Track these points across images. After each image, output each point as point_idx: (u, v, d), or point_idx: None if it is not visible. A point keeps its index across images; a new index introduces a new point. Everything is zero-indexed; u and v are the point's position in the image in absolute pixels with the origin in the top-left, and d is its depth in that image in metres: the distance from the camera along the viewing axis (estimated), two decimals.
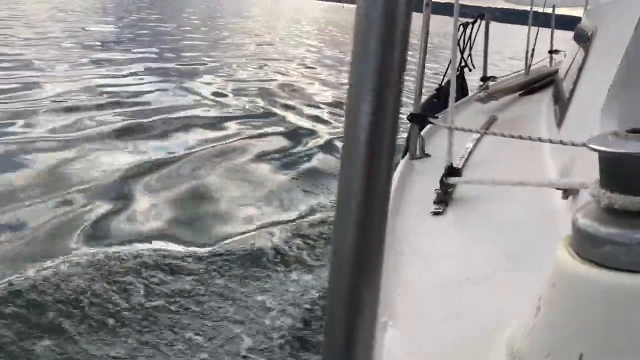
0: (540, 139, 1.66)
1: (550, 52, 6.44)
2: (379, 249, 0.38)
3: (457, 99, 4.31)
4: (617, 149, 0.83)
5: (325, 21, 46.14)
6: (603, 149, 0.84)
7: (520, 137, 1.74)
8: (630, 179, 0.82)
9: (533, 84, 4.09)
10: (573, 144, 1.53)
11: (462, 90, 4.97)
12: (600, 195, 0.85)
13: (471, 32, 4.84)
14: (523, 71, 5.00)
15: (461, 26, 4.72)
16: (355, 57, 0.32)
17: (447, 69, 4.66)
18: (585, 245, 0.86)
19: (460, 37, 4.75)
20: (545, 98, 3.52)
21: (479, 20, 4.86)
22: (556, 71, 4.01)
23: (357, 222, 0.36)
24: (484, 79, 4.92)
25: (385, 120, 0.34)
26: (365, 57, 0.32)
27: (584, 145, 1.50)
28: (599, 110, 1.58)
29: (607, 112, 1.55)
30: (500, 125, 3.10)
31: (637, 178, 0.81)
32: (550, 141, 1.62)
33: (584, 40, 2.64)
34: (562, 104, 2.49)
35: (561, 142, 1.58)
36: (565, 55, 4.01)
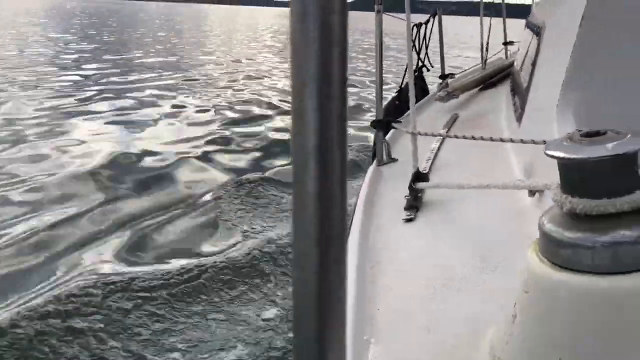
0: (501, 139, 1.69)
1: (505, 43, 6.58)
2: (340, 257, 0.36)
3: (417, 100, 4.37)
4: (573, 155, 0.85)
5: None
6: (559, 155, 0.86)
7: (482, 139, 1.78)
8: (588, 183, 0.84)
9: (490, 79, 4.17)
10: (533, 142, 1.57)
11: (423, 91, 5.04)
12: (562, 200, 0.87)
13: (425, 32, 4.91)
14: (480, 66, 5.09)
15: (415, 27, 4.79)
16: (294, 59, 0.32)
17: (406, 71, 4.72)
18: (553, 250, 0.87)
19: (415, 37, 4.81)
20: (503, 91, 3.59)
21: (432, 19, 4.94)
22: (512, 63, 4.10)
23: (316, 239, 0.35)
24: (443, 76, 5.00)
25: (332, 119, 0.33)
26: (306, 58, 0.31)
27: (543, 142, 1.54)
28: (555, 107, 1.62)
29: (562, 108, 1.59)
30: (462, 123, 3.15)
31: (595, 182, 0.84)
32: (512, 140, 1.66)
33: (535, 32, 2.70)
34: (519, 98, 2.55)
35: (522, 141, 1.61)
36: (519, 48, 4.10)
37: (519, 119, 2.29)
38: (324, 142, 0.32)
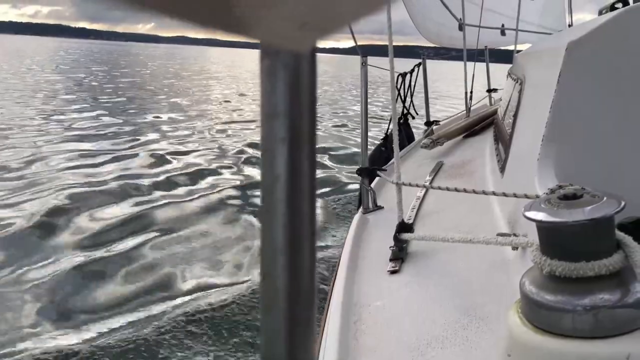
0: (484, 192, 1.71)
1: (489, 90, 6.73)
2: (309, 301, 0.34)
3: (403, 147, 4.43)
4: (551, 219, 0.86)
5: None
6: (538, 218, 0.87)
7: (465, 191, 1.79)
8: (567, 246, 0.85)
9: (475, 126, 4.24)
10: (515, 196, 1.59)
11: (408, 137, 5.12)
12: (542, 262, 0.87)
13: (410, 80, 5.02)
14: (464, 113, 5.19)
15: (399, 76, 4.90)
16: (264, 115, 0.31)
17: (391, 119, 4.81)
18: (534, 312, 0.87)
19: (400, 86, 4.92)
20: (487, 139, 3.65)
21: (417, 68, 5.06)
22: (495, 111, 4.19)
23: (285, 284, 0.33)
24: (428, 123, 5.09)
25: (303, 214, 0.33)
26: (274, 116, 0.31)
27: (524, 196, 1.55)
28: (536, 161, 1.65)
29: (543, 162, 1.62)
30: (446, 171, 3.19)
31: (573, 245, 0.84)
32: (494, 193, 1.68)
33: (516, 82, 2.77)
34: (502, 147, 2.59)
35: (504, 194, 1.63)
36: (501, 99, 4.19)
37: (502, 169, 2.32)
38: (294, 241, 0.32)
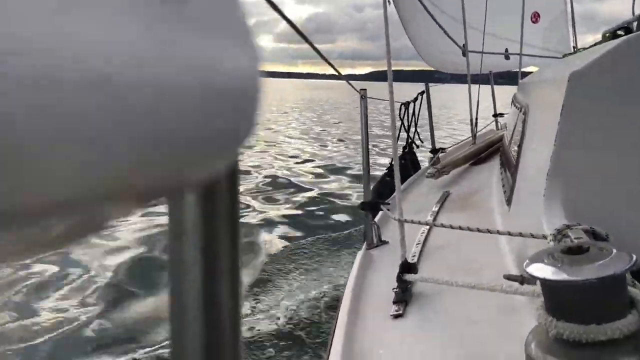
0: (489, 230, 1.63)
1: (495, 115, 6.68)
2: None
3: (408, 176, 4.36)
4: (556, 277, 0.78)
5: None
6: (542, 276, 0.80)
7: (469, 229, 1.72)
8: (574, 307, 0.77)
9: (481, 154, 4.17)
10: (521, 235, 1.51)
11: (414, 165, 5.05)
12: (548, 324, 0.79)
13: (414, 109, 4.98)
14: (470, 139, 5.13)
15: (402, 106, 4.87)
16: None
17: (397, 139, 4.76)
18: None
19: (404, 116, 4.88)
20: (494, 167, 3.57)
21: (420, 96, 5.02)
22: (502, 137, 4.12)
23: None
24: (434, 151, 5.02)
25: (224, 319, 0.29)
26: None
27: (530, 235, 1.48)
28: (542, 196, 1.58)
29: (548, 198, 1.55)
30: (453, 201, 3.11)
31: (581, 306, 0.77)
32: (499, 232, 1.60)
33: (520, 111, 2.71)
34: (508, 178, 2.51)
35: (509, 234, 1.56)
36: (506, 126, 4.13)
37: (509, 201, 2.24)
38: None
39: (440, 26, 3.91)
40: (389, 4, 2.20)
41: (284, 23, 1.43)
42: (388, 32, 2.14)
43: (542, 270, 0.80)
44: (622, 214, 1.52)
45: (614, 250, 0.80)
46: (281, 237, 6.14)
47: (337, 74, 2.47)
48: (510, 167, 2.53)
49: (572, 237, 1.24)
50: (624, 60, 1.55)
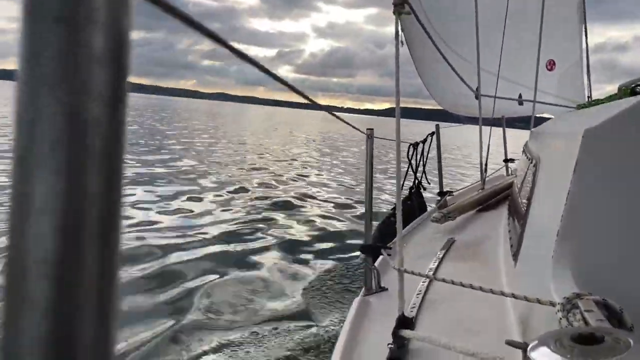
0: (492, 291, 1.53)
1: (505, 160, 6.59)
2: None
3: (413, 218, 4.26)
4: None
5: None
6: None
7: (472, 287, 1.62)
8: None
9: (489, 200, 4.07)
10: (527, 299, 1.41)
11: (420, 206, 4.96)
12: None
13: (423, 150, 4.91)
14: (479, 183, 5.03)
15: (411, 146, 4.80)
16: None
17: (402, 184, 4.68)
18: None
19: (412, 156, 4.81)
20: (501, 216, 3.47)
21: (430, 137, 4.96)
22: (511, 184, 4.02)
23: None
24: (441, 193, 4.93)
25: None
26: None
27: (537, 301, 1.37)
28: (550, 258, 1.48)
29: (557, 260, 1.45)
30: (458, 249, 3.00)
31: None
32: (502, 293, 1.50)
33: (530, 163, 2.61)
34: (516, 229, 2.41)
35: (514, 296, 1.46)
36: (516, 174, 4.04)
37: (515, 256, 2.14)
38: None
39: (452, 68, 3.86)
40: (402, 45, 2.15)
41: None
42: (398, 73, 2.09)
43: (546, 354, 0.71)
44: (635, 282, 1.42)
45: (631, 342, 0.70)
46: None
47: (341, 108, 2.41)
48: (519, 217, 2.43)
49: (582, 309, 1.14)
50: (639, 120, 1.47)
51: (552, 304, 1.28)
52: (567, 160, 1.60)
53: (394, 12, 2.10)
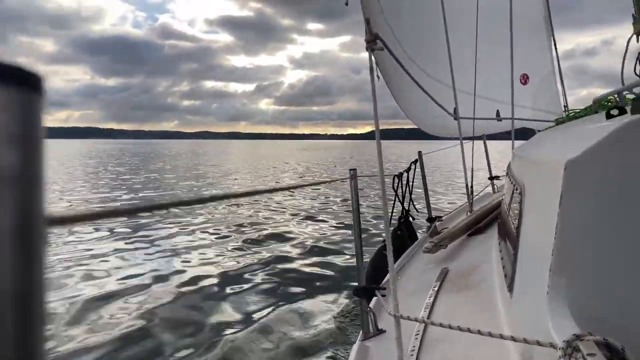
0: (490, 334, 1.50)
1: (490, 178, 6.62)
2: None
3: (406, 247, 4.23)
4: None
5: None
6: None
7: (469, 331, 1.58)
8: None
9: (479, 223, 4.05)
10: (526, 342, 1.38)
11: (410, 235, 4.93)
12: None
13: (407, 179, 4.91)
14: (466, 204, 5.03)
15: (395, 177, 4.79)
16: None
17: (391, 216, 4.64)
18: None
19: (398, 187, 4.79)
20: (492, 238, 3.45)
21: (413, 165, 4.96)
22: (499, 204, 4.01)
23: None
24: (430, 219, 4.91)
25: None
26: None
27: (537, 342, 1.34)
28: (546, 294, 1.45)
29: (554, 298, 1.42)
30: (452, 280, 2.96)
31: None
32: (501, 336, 1.46)
33: (515, 191, 2.58)
34: (510, 254, 2.38)
35: (512, 338, 1.42)
36: (504, 194, 4.03)
37: (510, 287, 2.10)
38: None
39: (430, 96, 3.88)
40: (378, 79, 2.14)
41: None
42: (377, 110, 2.07)
43: None
44: (633, 314, 1.39)
45: None
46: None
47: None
48: (510, 239, 2.40)
49: (584, 353, 1.11)
50: (623, 146, 1.46)
51: (553, 346, 1.25)
52: (552, 192, 1.58)
53: (366, 49, 2.07)
